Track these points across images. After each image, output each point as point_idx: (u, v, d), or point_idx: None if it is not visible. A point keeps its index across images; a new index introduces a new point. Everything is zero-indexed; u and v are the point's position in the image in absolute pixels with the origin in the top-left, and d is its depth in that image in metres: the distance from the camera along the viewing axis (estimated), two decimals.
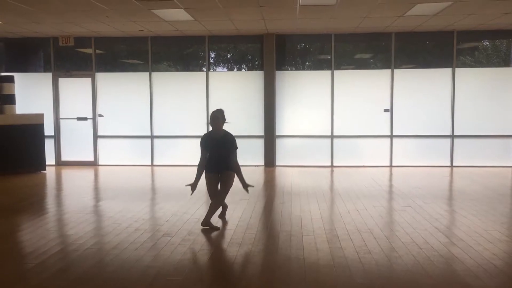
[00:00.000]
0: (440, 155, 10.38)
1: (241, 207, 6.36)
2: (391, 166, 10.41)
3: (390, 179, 8.90)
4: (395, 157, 10.47)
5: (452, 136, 10.34)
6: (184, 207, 6.37)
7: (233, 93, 10.71)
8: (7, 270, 4.06)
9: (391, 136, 10.45)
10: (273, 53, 10.37)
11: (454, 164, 10.35)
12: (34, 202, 7.03)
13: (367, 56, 11.04)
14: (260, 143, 10.62)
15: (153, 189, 8.28)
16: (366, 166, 10.30)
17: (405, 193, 7.30)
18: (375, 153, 10.50)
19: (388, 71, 10.38)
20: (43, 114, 10.07)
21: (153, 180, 9.17)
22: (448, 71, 10.27)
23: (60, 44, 10.55)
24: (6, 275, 3.93)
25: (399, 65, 10.43)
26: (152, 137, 10.85)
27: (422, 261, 4.15)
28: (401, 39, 10.33)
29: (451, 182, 8.72)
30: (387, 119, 10.43)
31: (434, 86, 10.35)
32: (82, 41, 10.69)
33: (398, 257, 4.27)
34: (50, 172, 9.88)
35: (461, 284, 3.67)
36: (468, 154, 10.32)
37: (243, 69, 11.25)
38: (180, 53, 11.22)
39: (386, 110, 10.41)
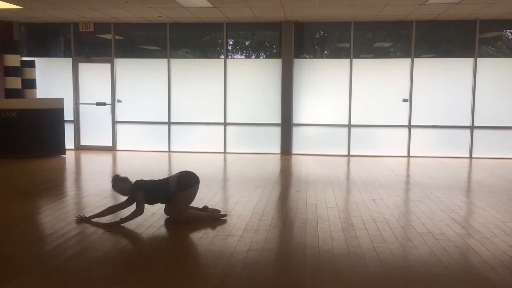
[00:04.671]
0: (459, 146, 10.26)
1: (256, 195, 6.39)
2: (408, 156, 10.32)
3: (408, 170, 8.83)
4: (413, 148, 10.37)
5: (472, 127, 10.19)
6: (200, 193, 6.36)
7: (251, 80, 10.71)
8: (27, 251, 4.15)
9: (409, 126, 10.34)
10: (291, 41, 10.31)
11: (473, 156, 10.22)
12: (53, 185, 7.15)
13: (386, 44, 10.90)
14: (277, 131, 10.62)
15: (170, 175, 8.33)
16: (382, 156, 10.22)
17: (422, 184, 7.25)
18: (392, 143, 10.42)
19: (408, 60, 10.24)
20: (63, 99, 10.20)
21: (170, 166, 9.25)
22: (469, 60, 10.10)
23: (80, 29, 10.64)
24: (26, 256, 4.02)
25: (419, 54, 10.28)
26: (169, 123, 10.92)
27: (437, 252, 4.12)
28: (422, 27, 10.17)
29: (469, 173, 8.62)
30: (406, 109, 10.32)
31: (455, 76, 10.19)
32: (101, 27, 10.76)
33: (414, 247, 4.25)
34: (69, 156, 10.03)
35: (477, 275, 3.64)
36: (488, 146, 10.18)
37: (261, 57, 11.21)
38: (198, 40, 11.22)
39: (405, 100, 10.30)
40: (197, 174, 5.21)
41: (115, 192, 5.19)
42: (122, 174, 5.19)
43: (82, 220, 4.97)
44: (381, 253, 4.08)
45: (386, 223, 5.04)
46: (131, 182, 5.01)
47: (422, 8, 8.64)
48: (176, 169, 8.92)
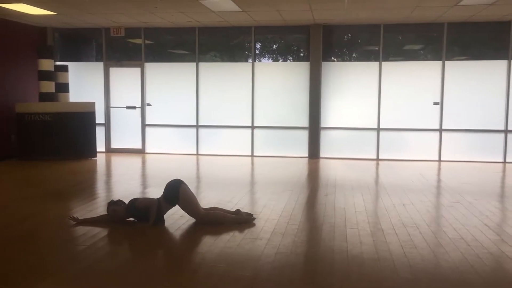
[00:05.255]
0: (492, 151, 9.99)
1: (284, 199, 6.37)
2: (439, 160, 10.12)
3: (439, 174, 8.66)
4: (444, 152, 10.16)
5: (506, 131, 9.92)
6: (228, 196, 6.44)
7: (278, 84, 10.71)
8: (59, 251, 4.24)
9: (440, 130, 10.14)
10: (319, 44, 10.26)
11: (507, 160, 9.94)
12: (85, 187, 7.31)
13: (417, 47, 10.73)
14: (304, 135, 10.57)
15: (198, 177, 8.41)
16: (411, 160, 10.06)
17: (454, 189, 7.09)
18: (423, 147, 10.24)
19: (439, 63, 10.06)
20: (94, 102, 10.41)
21: (198, 169, 9.32)
22: (503, 63, 9.84)
23: (112, 34, 10.85)
24: (58, 256, 4.11)
25: (451, 57, 10.08)
26: (197, 126, 11.01)
27: (470, 258, 4.03)
28: (454, 29, 9.97)
29: (503, 178, 8.39)
30: (437, 112, 10.13)
31: (487, 78, 9.94)
32: (132, 31, 10.95)
33: (445, 253, 4.16)
34: (100, 159, 10.22)
35: None
36: None
37: (288, 60, 11.19)
38: (226, 44, 11.27)
39: (436, 103, 10.11)
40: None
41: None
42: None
43: (78, 222, 5.01)
44: (411, 259, 4.01)
45: (416, 228, 4.95)
46: (125, 203, 5.08)
47: (454, 9, 8.47)
48: (204, 172, 9.00)
